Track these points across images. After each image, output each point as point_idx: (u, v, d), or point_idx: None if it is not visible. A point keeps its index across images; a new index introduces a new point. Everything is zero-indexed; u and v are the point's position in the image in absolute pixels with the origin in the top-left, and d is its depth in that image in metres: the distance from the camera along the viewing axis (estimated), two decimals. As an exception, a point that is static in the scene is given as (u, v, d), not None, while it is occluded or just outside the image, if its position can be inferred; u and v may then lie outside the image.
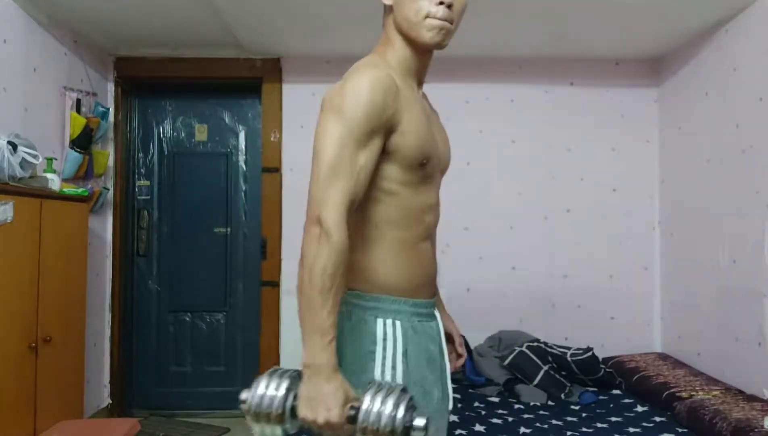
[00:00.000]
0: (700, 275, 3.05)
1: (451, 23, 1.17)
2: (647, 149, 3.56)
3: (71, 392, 2.79)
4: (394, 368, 1.12)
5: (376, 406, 0.95)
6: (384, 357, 1.12)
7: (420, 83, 1.27)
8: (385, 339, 1.13)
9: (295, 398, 1.00)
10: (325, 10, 2.81)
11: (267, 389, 0.99)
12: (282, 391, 0.99)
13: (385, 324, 1.14)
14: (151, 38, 3.33)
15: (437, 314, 1.29)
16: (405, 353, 1.13)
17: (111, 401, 3.52)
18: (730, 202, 2.80)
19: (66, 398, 2.73)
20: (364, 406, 0.95)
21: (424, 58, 1.24)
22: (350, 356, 1.13)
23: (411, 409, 0.96)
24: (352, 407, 0.98)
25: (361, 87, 1.07)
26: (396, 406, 0.94)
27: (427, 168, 1.18)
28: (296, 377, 1.01)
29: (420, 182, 1.18)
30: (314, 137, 1.09)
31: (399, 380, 1.11)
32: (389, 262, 1.16)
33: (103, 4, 2.83)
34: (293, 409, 0.99)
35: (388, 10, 1.22)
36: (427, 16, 1.15)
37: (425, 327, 1.20)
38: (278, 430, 1.00)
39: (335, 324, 1.02)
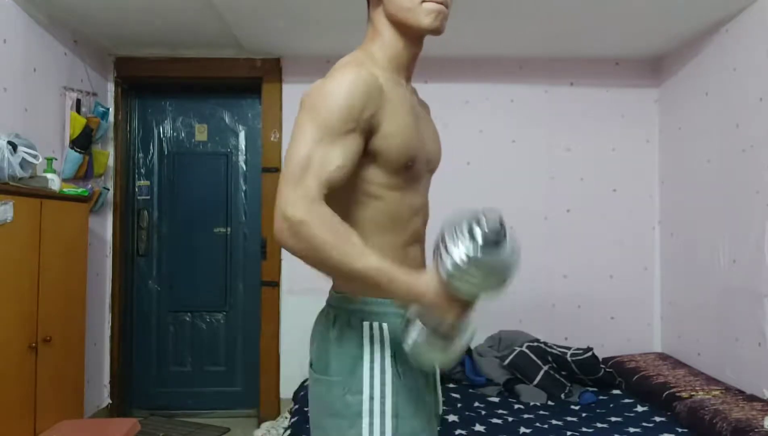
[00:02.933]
0: (700, 275, 3.05)
1: (447, 7, 1.15)
2: (647, 149, 3.56)
3: (71, 392, 2.79)
4: (383, 372, 1.08)
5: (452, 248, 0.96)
6: (372, 360, 1.08)
7: (408, 78, 1.23)
8: (372, 343, 1.09)
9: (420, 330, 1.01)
10: (325, 10, 2.81)
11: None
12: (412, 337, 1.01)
13: (371, 327, 1.10)
14: (151, 38, 3.33)
15: None
16: (394, 356, 1.09)
17: (111, 401, 3.51)
18: (730, 202, 2.80)
19: (66, 398, 2.73)
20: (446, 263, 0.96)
21: (415, 49, 1.20)
22: (337, 361, 1.10)
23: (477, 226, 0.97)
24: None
25: (340, 86, 1.04)
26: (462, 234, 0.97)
27: (413, 170, 1.14)
28: (411, 320, 1.02)
29: (406, 185, 1.14)
30: (291, 137, 1.06)
31: (389, 383, 1.08)
32: None
33: (103, 4, 2.83)
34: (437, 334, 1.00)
35: (375, 2, 1.19)
36: (423, 1, 1.12)
37: None
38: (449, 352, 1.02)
39: (380, 258, 0.98)
